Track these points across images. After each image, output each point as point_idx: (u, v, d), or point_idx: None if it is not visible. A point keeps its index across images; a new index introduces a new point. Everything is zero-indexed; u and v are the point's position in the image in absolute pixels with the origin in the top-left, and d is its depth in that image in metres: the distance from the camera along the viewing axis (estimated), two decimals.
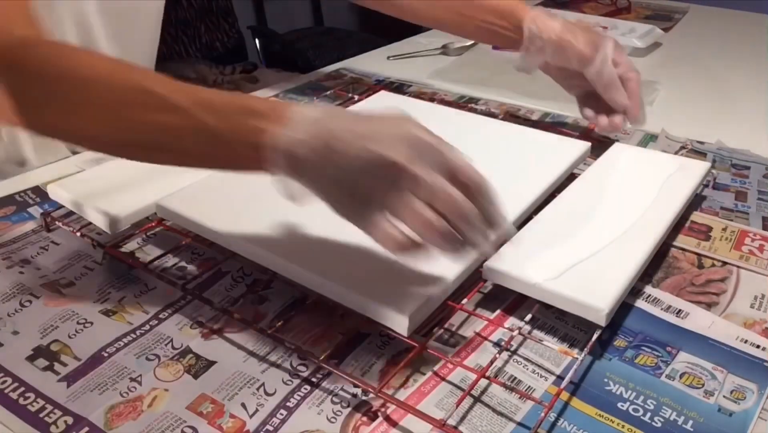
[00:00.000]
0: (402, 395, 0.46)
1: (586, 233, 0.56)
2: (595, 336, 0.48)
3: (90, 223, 0.59)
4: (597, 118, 0.74)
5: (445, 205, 0.41)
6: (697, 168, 0.66)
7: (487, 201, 0.42)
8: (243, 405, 0.45)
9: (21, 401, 0.44)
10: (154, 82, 0.45)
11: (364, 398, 0.45)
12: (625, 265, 0.52)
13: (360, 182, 0.41)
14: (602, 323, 0.48)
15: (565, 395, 0.46)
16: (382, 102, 0.80)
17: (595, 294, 0.48)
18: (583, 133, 0.78)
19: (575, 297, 0.48)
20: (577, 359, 0.46)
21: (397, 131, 0.41)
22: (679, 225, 0.64)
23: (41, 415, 0.43)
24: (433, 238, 0.41)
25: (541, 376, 0.47)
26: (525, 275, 0.50)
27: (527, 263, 0.51)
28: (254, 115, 0.43)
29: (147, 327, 0.51)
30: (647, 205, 0.59)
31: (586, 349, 0.47)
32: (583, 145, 0.70)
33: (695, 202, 0.68)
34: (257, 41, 2.17)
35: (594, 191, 0.62)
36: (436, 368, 0.48)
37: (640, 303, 0.54)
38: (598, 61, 0.70)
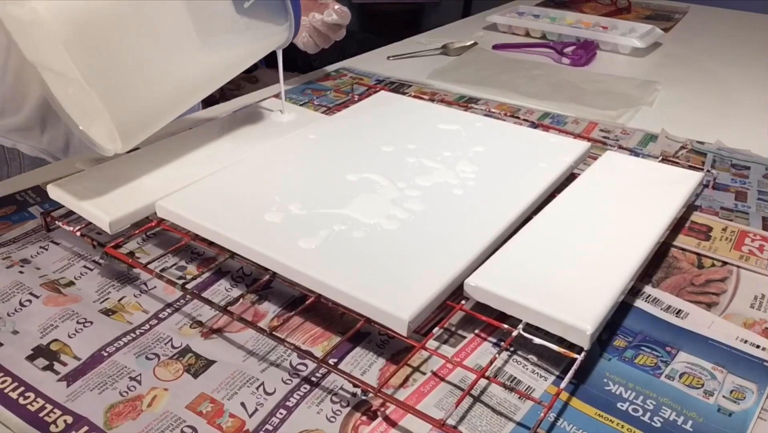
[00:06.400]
0: (401, 394, 0.46)
1: (573, 247, 0.54)
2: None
3: (90, 223, 0.59)
4: None
5: None
6: (690, 178, 0.64)
7: None
8: (242, 404, 0.45)
9: (21, 400, 0.45)
10: None
11: (363, 397, 0.45)
12: (611, 281, 0.50)
13: None
14: (585, 345, 0.46)
15: (564, 395, 0.46)
16: (381, 102, 0.80)
17: (579, 314, 0.46)
18: (583, 134, 0.78)
19: (558, 316, 0.46)
20: (576, 358, 0.46)
21: None
22: (679, 225, 0.64)
23: (41, 414, 0.43)
24: None
25: (541, 376, 0.47)
26: (505, 292, 0.48)
27: (510, 279, 0.50)
28: None
29: (147, 327, 0.51)
30: (636, 219, 0.57)
31: (585, 349, 0.47)
32: (583, 145, 0.70)
33: (691, 206, 0.69)
34: None
35: (582, 202, 0.60)
36: (435, 368, 0.48)
37: (640, 303, 0.54)
38: None
